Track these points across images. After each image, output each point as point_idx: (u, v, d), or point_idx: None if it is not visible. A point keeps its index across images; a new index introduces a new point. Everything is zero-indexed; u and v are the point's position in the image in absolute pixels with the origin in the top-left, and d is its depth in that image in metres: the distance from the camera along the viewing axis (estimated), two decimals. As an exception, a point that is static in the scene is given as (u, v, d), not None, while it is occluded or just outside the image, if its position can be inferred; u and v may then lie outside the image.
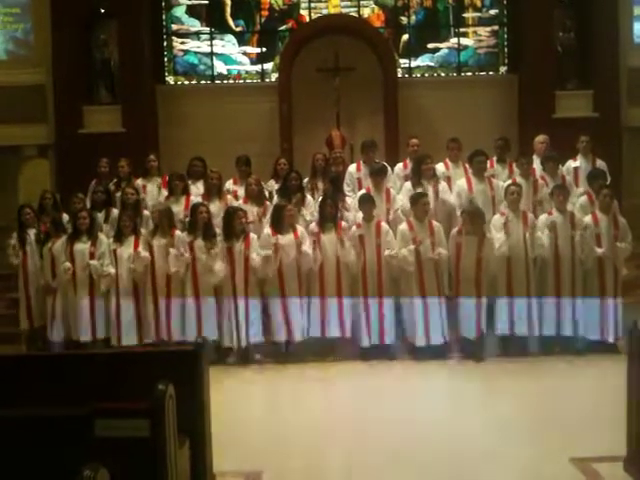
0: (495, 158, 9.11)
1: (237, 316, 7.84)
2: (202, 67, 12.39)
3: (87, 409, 3.31)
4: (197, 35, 12.35)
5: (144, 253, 7.88)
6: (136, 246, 7.98)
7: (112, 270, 7.95)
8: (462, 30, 12.33)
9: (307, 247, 7.89)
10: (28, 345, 8.51)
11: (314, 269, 7.94)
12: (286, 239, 7.90)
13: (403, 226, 8.00)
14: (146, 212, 8.52)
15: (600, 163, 9.17)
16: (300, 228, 8.04)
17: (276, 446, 5.53)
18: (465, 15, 12.34)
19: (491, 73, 12.31)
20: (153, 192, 9.08)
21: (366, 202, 8.05)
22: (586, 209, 8.31)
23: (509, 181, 8.51)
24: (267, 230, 8.03)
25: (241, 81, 12.36)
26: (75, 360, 4.63)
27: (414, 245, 7.78)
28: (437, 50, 12.31)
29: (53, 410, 3.43)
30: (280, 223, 7.95)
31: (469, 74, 12.32)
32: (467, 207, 8.11)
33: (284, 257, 7.85)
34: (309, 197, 8.64)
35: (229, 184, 9.03)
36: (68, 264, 7.98)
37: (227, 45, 12.35)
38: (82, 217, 8.12)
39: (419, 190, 8.30)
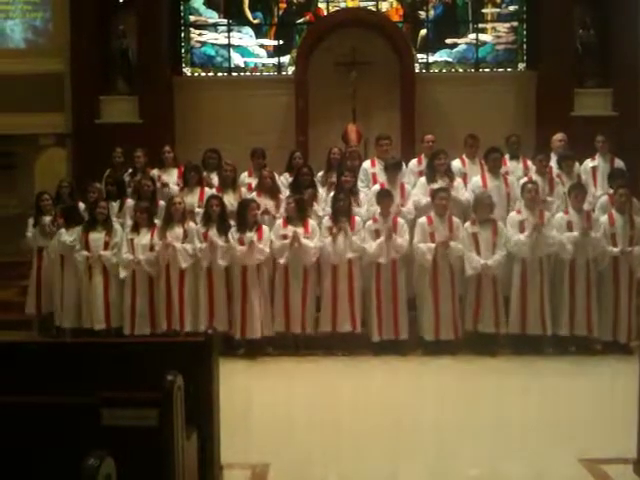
0: (508, 155, 9.03)
1: (247, 308, 7.85)
2: (219, 59, 12.39)
3: (95, 398, 3.32)
4: (215, 27, 12.35)
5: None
6: (152, 237, 8.01)
7: (131, 257, 7.99)
8: (481, 26, 12.25)
9: (310, 241, 7.87)
10: (40, 332, 8.58)
11: (330, 261, 7.91)
12: (292, 232, 7.88)
13: (422, 219, 7.98)
14: (162, 202, 8.53)
15: (618, 162, 9.09)
16: (312, 222, 8.04)
17: (284, 439, 5.54)
18: (484, 11, 12.26)
19: (509, 70, 12.23)
20: (170, 183, 9.08)
21: (384, 197, 8.03)
22: (606, 209, 8.24)
23: (525, 179, 8.46)
24: (279, 222, 8.05)
25: (258, 74, 12.35)
26: (85, 348, 4.64)
27: (434, 244, 7.76)
28: (455, 46, 12.24)
29: (61, 398, 3.44)
30: (290, 216, 7.96)
31: (487, 70, 12.24)
32: (476, 195, 8.14)
33: (294, 242, 7.83)
34: (321, 192, 8.62)
35: (244, 176, 9.03)
36: (85, 252, 8.04)
37: (244, 37, 12.35)
38: (101, 207, 8.19)
39: (434, 185, 8.28)
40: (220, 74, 12.37)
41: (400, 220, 8.03)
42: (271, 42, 12.34)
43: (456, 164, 8.85)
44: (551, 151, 9.12)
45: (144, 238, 8.06)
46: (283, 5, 12.27)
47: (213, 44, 12.37)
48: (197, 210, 8.41)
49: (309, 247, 7.86)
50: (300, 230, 7.91)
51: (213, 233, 7.94)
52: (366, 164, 8.97)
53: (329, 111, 11.38)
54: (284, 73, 12.21)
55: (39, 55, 11.38)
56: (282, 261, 7.87)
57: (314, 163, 9.16)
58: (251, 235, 7.86)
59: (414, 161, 9.19)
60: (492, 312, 7.83)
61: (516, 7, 12.22)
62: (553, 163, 8.86)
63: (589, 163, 9.08)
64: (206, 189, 8.67)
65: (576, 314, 7.84)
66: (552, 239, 7.81)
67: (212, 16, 12.35)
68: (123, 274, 8.04)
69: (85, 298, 8.15)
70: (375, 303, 7.91)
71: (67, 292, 8.23)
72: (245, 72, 12.37)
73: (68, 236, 8.18)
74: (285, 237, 7.88)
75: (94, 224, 8.17)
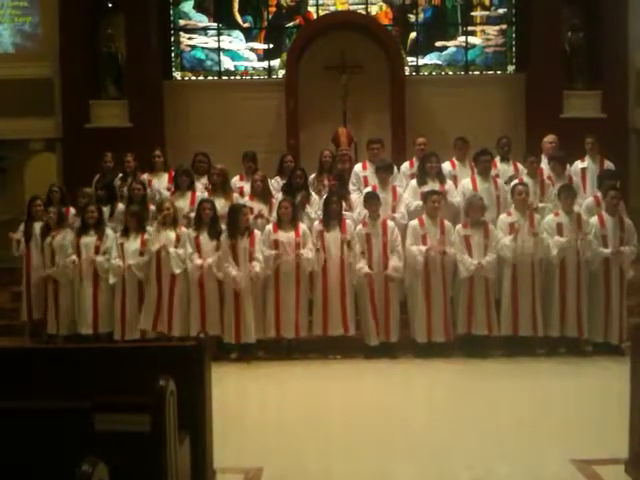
0: (499, 158, 9.06)
1: (240, 312, 7.84)
2: (209, 63, 12.39)
3: (87, 403, 3.31)
4: (204, 31, 12.35)
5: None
6: (142, 241, 8.00)
7: (120, 263, 7.97)
8: (470, 28, 12.29)
9: (308, 251, 7.88)
10: (31, 337, 8.54)
11: (316, 269, 7.93)
12: (287, 236, 7.90)
13: (414, 222, 8.00)
14: (152, 207, 8.52)
15: (608, 164, 9.12)
16: (303, 227, 8.04)
17: (277, 443, 5.53)
18: (473, 13, 12.30)
19: (499, 72, 12.27)
20: (159, 187, 9.07)
21: (371, 200, 8.04)
22: (592, 211, 8.28)
23: (516, 180, 8.48)
24: (269, 226, 8.05)
25: (248, 77, 12.36)
26: (77, 354, 4.63)
27: (425, 247, 7.77)
28: (445, 48, 12.28)
29: (53, 403, 3.43)
30: (281, 220, 7.97)
31: (477, 73, 12.29)
32: (467, 198, 8.16)
33: (282, 254, 7.84)
34: (314, 195, 8.63)
35: (235, 180, 9.02)
36: (74, 257, 8.02)
37: (234, 41, 12.35)
38: (90, 211, 8.18)
39: (425, 188, 8.30)
40: (210, 78, 12.37)
41: (390, 223, 8.04)
42: (261, 46, 12.35)
43: (446, 167, 8.88)
44: (541, 153, 9.15)
45: (134, 243, 8.04)
46: (273, 9, 12.28)
47: (203, 48, 12.36)
48: (191, 215, 8.39)
49: (310, 260, 7.86)
50: (291, 234, 7.91)
51: (204, 237, 7.92)
52: (357, 167, 8.98)
53: (319, 114, 11.39)
54: (274, 77, 12.22)
55: (28, 60, 11.32)
56: (268, 272, 7.87)
57: (305, 166, 9.16)
58: (243, 242, 7.85)
59: (406, 164, 9.21)
60: (484, 314, 7.85)
61: (505, 10, 12.27)
62: (544, 165, 8.89)
63: (579, 164, 9.12)
64: (197, 193, 8.66)
65: (566, 315, 7.87)
66: (543, 242, 7.84)
67: (202, 20, 12.34)
68: (112, 280, 8.02)
69: (77, 303, 8.14)
70: (370, 307, 7.91)
71: (60, 298, 8.20)
72: (235, 76, 12.38)
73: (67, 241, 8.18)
74: (277, 244, 7.86)
75: (86, 229, 8.16)
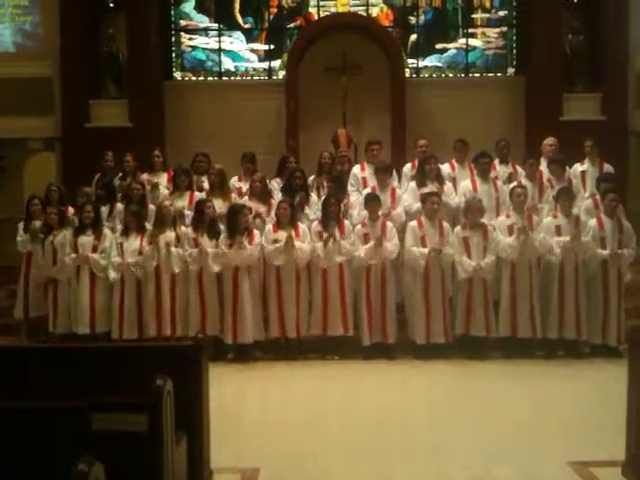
0: (497, 160, 9.06)
1: (238, 312, 7.84)
2: (210, 63, 12.40)
3: (84, 402, 3.30)
4: (205, 31, 12.36)
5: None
6: (142, 241, 8.00)
7: (120, 260, 7.97)
8: (471, 31, 12.31)
9: (304, 243, 7.88)
10: (28, 336, 8.54)
11: (322, 264, 7.91)
12: (286, 236, 7.89)
13: (413, 223, 8.01)
14: (151, 207, 8.52)
15: (607, 167, 9.12)
16: (302, 226, 8.05)
17: (274, 443, 5.52)
18: (474, 16, 12.31)
19: (499, 74, 12.28)
20: (160, 186, 9.06)
21: (372, 201, 8.06)
22: (591, 213, 8.28)
23: (514, 183, 8.49)
24: (269, 227, 8.05)
25: (248, 78, 12.36)
26: (74, 353, 4.62)
27: (429, 250, 7.77)
28: (445, 50, 12.29)
29: (50, 402, 3.43)
30: (280, 220, 7.98)
31: (477, 75, 12.29)
32: (466, 199, 8.17)
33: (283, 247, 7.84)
34: (313, 196, 8.63)
35: (234, 180, 9.02)
36: (73, 255, 8.02)
37: (235, 42, 12.36)
38: (87, 211, 8.18)
39: (424, 190, 8.30)
40: (211, 78, 12.38)
41: (389, 224, 8.05)
42: (262, 46, 12.36)
43: (445, 168, 8.88)
44: (541, 155, 9.15)
45: (134, 243, 8.04)
46: (274, 10, 12.29)
47: (204, 48, 12.37)
48: (187, 212, 8.40)
49: (303, 249, 7.86)
50: (291, 234, 7.91)
51: (204, 240, 7.92)
52: (356, 169, 8.97)
53: (319, 115, 11.39)
54: (275, 77, 12.22)
55: (28, 59, 11.32)
56: (277, 262, 7.86)
57: (304, 167, 9.16)
58: (242, 239, 7.86)
59: (408, 165, 9.20)
60: (483, 315, 7.86)
61: (506, 12, 12.28)
62: (543, 168, 8.89)
63: (578, 167, 9.12)
64: (196, 193, 8.66)
65: (565, 317, 7.88)
66: (539, 242, 7.84)
67: (203, 20, 12.36)
68: (112, 275, 8.01)
69: (74, 302, 8.13)
70: (365, 307, 7.92)
71: (60, 296, 8.20)
72: (236, 76, 12.39)
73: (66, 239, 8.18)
74: (277, 242, 7.88)
75: (83, 228, 8.16)
